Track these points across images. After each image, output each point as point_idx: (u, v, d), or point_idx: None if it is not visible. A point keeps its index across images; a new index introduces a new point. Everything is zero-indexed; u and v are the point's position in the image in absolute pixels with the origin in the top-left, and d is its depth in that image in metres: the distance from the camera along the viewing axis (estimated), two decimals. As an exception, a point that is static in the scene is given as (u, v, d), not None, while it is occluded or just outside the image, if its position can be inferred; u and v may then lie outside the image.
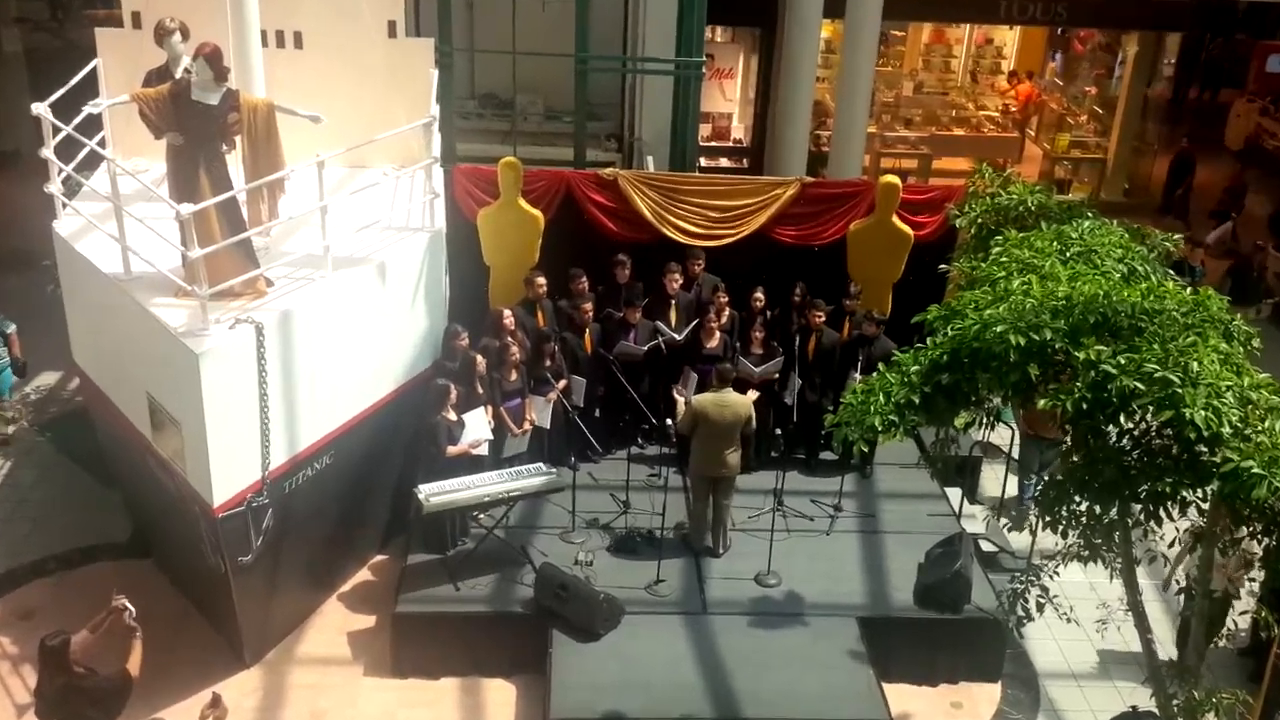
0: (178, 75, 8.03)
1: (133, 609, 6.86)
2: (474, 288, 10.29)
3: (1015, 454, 10.23)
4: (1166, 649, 7.80)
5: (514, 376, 9.48)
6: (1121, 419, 5.76)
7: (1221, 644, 8.48)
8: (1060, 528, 6.26)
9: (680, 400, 9.21)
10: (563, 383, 9.72)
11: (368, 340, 8.77)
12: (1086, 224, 7.14)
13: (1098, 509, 6.15)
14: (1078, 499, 6.14)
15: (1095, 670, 9.03)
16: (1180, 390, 5.49)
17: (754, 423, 9.10)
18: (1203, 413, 5.41)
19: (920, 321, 6.54)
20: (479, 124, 13.74)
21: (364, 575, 9.45)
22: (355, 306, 8.59)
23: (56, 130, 8.05)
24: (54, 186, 8.39)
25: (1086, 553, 6.42)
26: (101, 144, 8.80)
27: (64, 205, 8.63)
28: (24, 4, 17.06)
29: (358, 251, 8.78)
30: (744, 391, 9.30)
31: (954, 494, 10.12)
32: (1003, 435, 10.16)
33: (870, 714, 7.86)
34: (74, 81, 8.65)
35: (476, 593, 8.70)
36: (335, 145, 8.43)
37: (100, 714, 6.78)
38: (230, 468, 7.75)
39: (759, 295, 10.17)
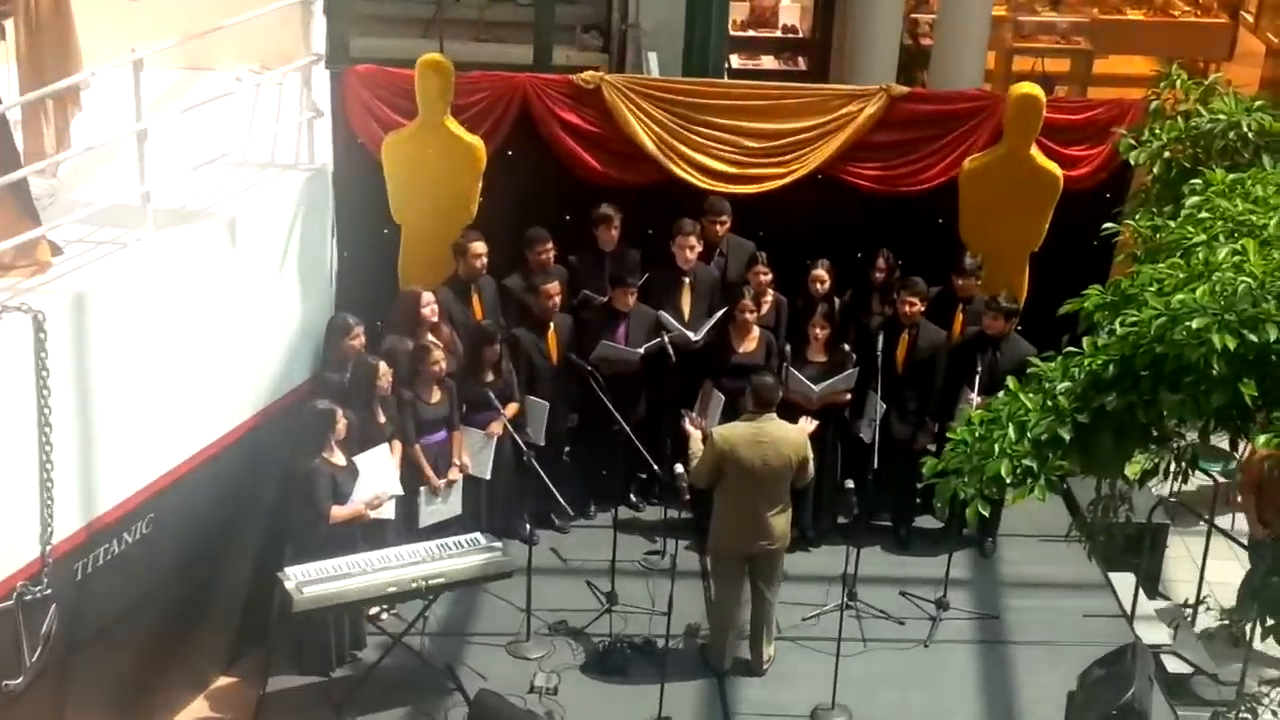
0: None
1: None
2: (376, 258, 10.33)
3: (1207, 515, 10.27)
4: None
5: (437, 396, 9.49)
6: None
7: None
8: (1291, 636, 6.23)
9: (696, 435, 9.22)
10: (513, 407, 9.74)
11: (210, 339, 8.78)
12: (1334, 160, 7.14)
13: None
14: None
15: None
16: None
17: (811, 468, 9.09)
18: None
19: (1073, 313, 6.53)
20: (386, 7, 13.74)
21: (201, 709, 9.46)
22: (191, 287, 8.59)
23: None
24: None
25: (1331, 676, 6.41)
26: None
27: None
28: None
29: (196, 201, 8.81)
30: (796, 420, 9.29)
31: (1124, 583, 10.13)
32: (1201, 491, 10.25)
33: None
34: None
35: (377, 736, 8.74)
36: (161, 35, 8.48)
37: None
38: (-10, 540, 7.73)
39: (820, 272, 10.21)
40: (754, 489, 8.88)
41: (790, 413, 9.37)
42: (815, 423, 9.50)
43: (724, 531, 9.05)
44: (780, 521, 8.99)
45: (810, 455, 9.05)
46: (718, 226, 10.40)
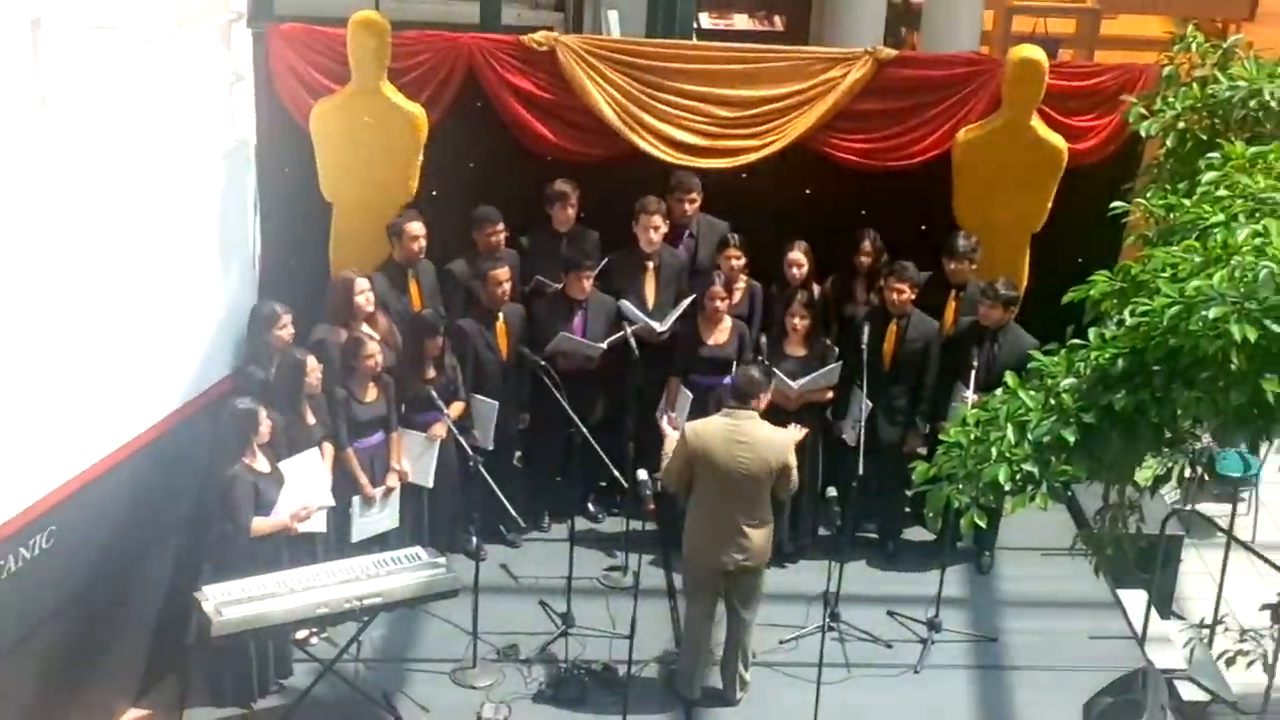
0: None
1: None
2: (304, 240, 10.30)
3: (1226, 525, 10.12)
4: None
5: (373, 395, 9.50)
6: None
7: None
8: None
9: (672, 436, 9.21)
10: (458, 406, 9.75)
11: (119, 331, 8.73)
12: (1365, 133, 7.22)
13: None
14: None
15: None
16: None
17: (795, 478, 9.10)
18: None
19: (1078, 301, 6.56)
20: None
21: (108, 744, 9.40)
22: (97, 272, 8.55)
23: None
24: None
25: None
26: None
27: None
28: None
29: (99, 177, 8.72)
30: (783, 422, 9.32)
31: (1134, 600, 10.16)
32: (1219, 498, 10.14)
33: None
34: None
35: (305, 775, 8.76)
36: (59, -10, 8.36)
37: None
38: None
39: (798, 255, 10.21)
40: (729, 494, 8.85)
41: (766, 413, 9.27)
42: (804, 430, 9.48)
43: (697, 542, 9.01)
44: (760, 535, 8.96)
45: (793, 462, 9.01)
46: (686, 205, 10.38)
